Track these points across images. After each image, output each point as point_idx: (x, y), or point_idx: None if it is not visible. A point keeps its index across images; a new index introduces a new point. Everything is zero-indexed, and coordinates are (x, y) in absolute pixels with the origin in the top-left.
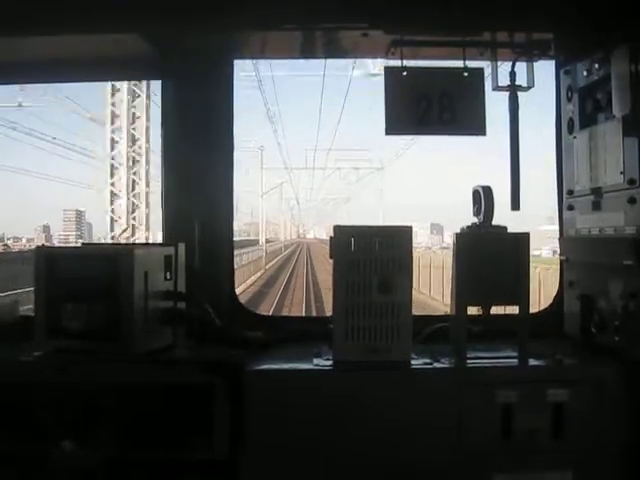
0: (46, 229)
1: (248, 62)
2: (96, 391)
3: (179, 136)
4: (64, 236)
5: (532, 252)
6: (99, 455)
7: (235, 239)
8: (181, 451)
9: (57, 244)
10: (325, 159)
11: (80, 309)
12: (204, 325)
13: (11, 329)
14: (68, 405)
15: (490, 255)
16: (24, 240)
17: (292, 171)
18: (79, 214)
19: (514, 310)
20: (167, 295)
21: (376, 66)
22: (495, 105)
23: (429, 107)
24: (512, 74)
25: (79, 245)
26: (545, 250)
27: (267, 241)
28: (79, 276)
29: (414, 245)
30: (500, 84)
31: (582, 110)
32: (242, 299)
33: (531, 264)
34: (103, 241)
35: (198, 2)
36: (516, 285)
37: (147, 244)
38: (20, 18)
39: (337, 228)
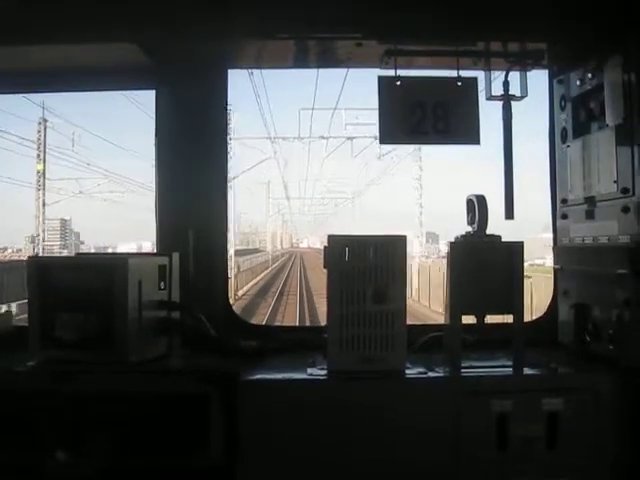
0: (35, 239)
1: None
2: (91, 401)
3: (173, 145)
4: (48, 246)
5: (535, 261)
6: (94, 464)
7: None
8: (176, 460)
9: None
10: (328, 127)
11: (74, 319)
12: (198, 335)
13: (5, 339)
14: (63, 415)
15: (484, 264)
16: (9, 250)
17: (278, 142)
18: (64, 223)
19: (508, 319)
20: (161, 305)
21: None
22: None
23: (423, 116)
24: (505, 83)
25: (73, 255)
26: (549, 258)
27: (240, 252)
28: (73, 286)
29: (411, 254)
30: (494, 93)
31: (575, 119)
32: None
33: (541, 274)
34: None
35: (192, 12)
36: (510, 294)
37: (141, 254)
38: (14, 28)
39: (331, 238)
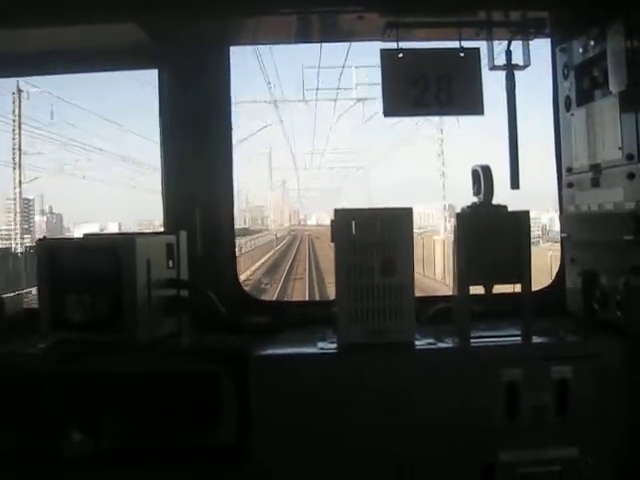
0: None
1: None
2: (101, 381)
3: (177, 124)
4: (6, 231)
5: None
6: (106, 444)
7: None
8: (189, 438)
9: None
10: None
11: (83, 300)
12: (208, 312)
13: (16, 321)
14: (74, 395)
15: (491, 234)
16: None
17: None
18: (26, 203)
19: (516, 288)
20: (170, 283)
21: None
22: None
23: (426, 88)
24: (508, 53)
25: (80, 237)
26: None
27: None
28: (81, 267)
29: (432, 227)
30: (496, 63)
31: (579, 87)
32: None
33: None
34: None
35: None
36: (518, 263)
37: (148, 233)
38: (14, 10)
39: (338, 212)
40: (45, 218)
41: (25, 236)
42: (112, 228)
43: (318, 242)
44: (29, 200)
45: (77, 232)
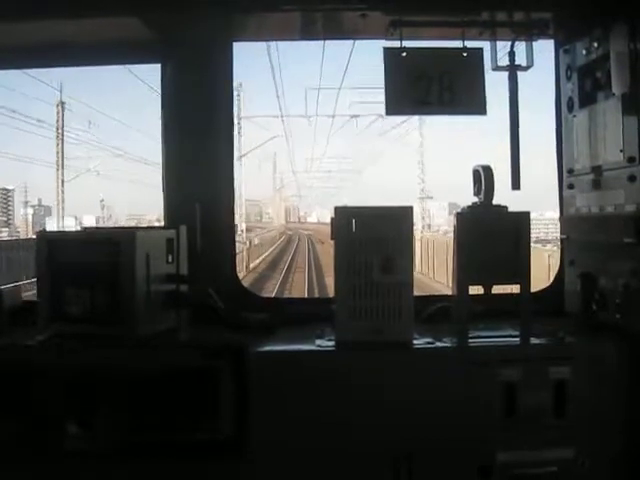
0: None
1: None
2: (99, 375)
3: (179, 119)
4: None
5: None
6: (104, 438)
7: None
8: (187, 432)
9: None
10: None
11: (82, 293)
12: (207, 308)
13: (15, 314)
14: (72, 389)
15: (491, 234)
16: None
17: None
18: (5, 194)
19: (515, 289)
20: (169, 278)
21: None
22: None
23: (429, 87)
24: (511, 54)
25: (80, 229)
26: None
27: None
28: (81, 260)
29: (436, 228)
30: (499, 64)
31: (581, 89)
32: None
33: None
34: None
35: None
36: (517, 264)
37: (149, 227)
38: (19, 2)
39: (338, 209)
40: (32, 210)
41: (3, 229)
42: (88, 221)
43: (322, 249)
44: (8, 190)
45: (49, 226)
